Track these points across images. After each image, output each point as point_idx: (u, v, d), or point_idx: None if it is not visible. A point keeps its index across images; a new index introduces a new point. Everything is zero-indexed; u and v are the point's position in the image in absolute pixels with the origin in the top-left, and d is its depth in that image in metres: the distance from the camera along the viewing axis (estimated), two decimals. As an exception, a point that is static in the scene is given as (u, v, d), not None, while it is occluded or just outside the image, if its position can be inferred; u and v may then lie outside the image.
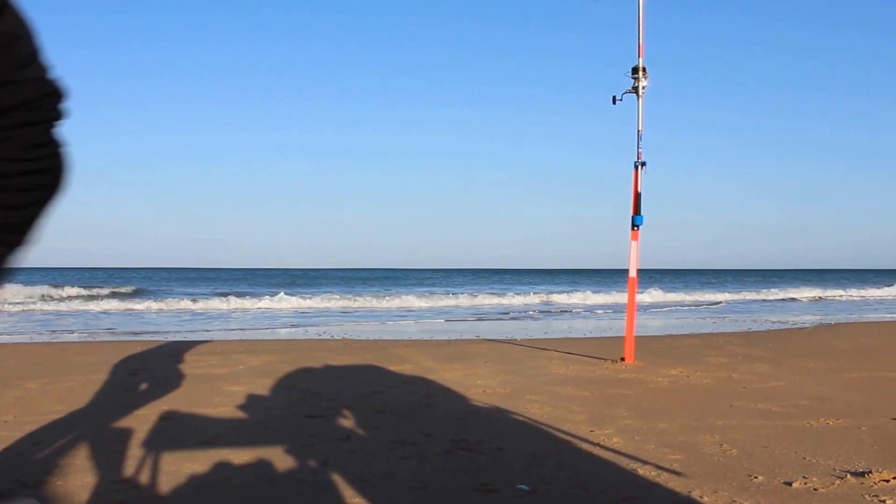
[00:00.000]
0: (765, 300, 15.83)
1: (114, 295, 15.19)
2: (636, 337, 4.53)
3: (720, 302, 14.80)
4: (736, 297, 16.82)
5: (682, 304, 13.71)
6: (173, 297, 13.71)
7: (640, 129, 4.38)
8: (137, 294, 16.55)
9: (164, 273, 45.36)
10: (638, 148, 4.36)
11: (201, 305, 11.88)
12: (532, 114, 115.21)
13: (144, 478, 1.87)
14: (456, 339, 6.12)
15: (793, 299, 16.21)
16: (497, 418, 2.61)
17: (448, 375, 3.68)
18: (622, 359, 4.31)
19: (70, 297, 13.88)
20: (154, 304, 12.03)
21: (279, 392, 3.20)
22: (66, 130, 0.64)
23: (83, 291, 15.52)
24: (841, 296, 18.23)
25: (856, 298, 17.08)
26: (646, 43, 4.33)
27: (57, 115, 0.63)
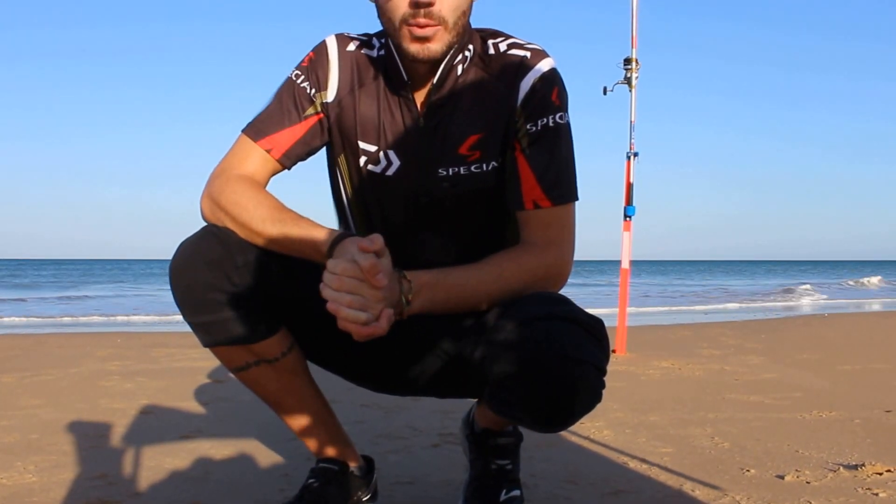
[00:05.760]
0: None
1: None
2: (627, 328, 4.52)
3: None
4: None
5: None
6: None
7: (632, 119, 4.38)
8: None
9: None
10: (630, 139, 4.36)
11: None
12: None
13: (123, 473, 1.83)
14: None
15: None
16: (486, 411, 2.57)
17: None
18: (614, 351, 4.28)
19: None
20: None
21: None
22: None
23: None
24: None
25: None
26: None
27: None
